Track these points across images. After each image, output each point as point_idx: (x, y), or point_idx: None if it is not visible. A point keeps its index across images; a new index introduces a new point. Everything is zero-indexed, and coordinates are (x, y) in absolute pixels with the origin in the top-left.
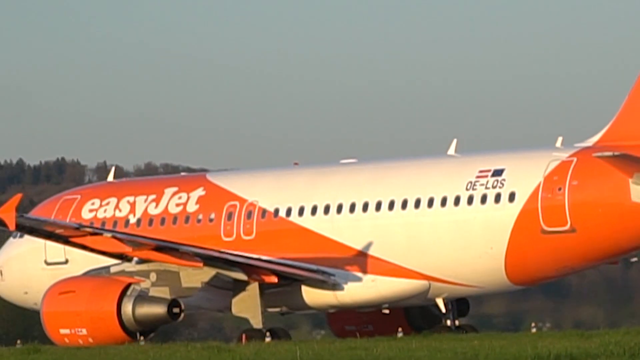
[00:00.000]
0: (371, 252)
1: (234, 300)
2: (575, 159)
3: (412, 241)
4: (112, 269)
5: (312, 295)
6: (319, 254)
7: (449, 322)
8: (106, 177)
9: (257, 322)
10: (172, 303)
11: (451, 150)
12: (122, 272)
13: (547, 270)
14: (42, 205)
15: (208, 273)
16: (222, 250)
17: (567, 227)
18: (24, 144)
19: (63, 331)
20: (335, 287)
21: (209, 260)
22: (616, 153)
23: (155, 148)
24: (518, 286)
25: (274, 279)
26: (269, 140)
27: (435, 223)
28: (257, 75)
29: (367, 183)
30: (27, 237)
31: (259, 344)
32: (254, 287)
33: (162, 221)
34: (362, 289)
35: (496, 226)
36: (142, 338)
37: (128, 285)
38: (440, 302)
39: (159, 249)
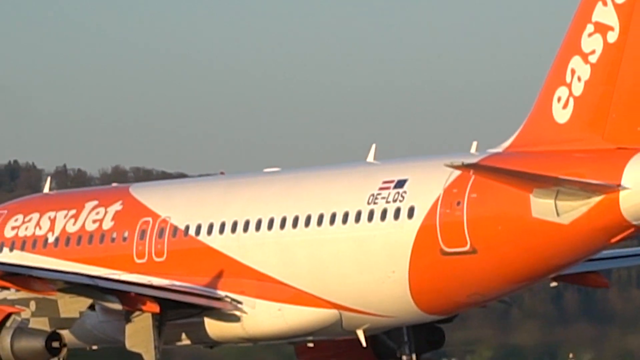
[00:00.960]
0: (277, 276)
1: (127, 333)
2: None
3: (316, 264)
4: (6, 296)
5: (216, 327)
6: (226, 278)
7: (404, 357)
8: (66, 183)
9: (149, 358)
10: (51, 336)
11: (370, 157)
12: (4, 301)
13: (455, 298)
14: None
15: (85, 302)
16: (96, 275)
17: (466, 248)
18: None
19: None
20: (242, 317)
21: (79, 287)
22: (467, 162)
23: (125, 150)
24: (434, 316)
25: (154, 308)
26: (251, 144)
27: (337, 243)
28: (236, 76)
29: (274, 196)
30: None
31: None
32: (145, 318)
33: (79, 240)
34: (269, 319)
35: (395, 246)
36: None
37: (8, 316)
38: (360, 335)
39: (12, 274)
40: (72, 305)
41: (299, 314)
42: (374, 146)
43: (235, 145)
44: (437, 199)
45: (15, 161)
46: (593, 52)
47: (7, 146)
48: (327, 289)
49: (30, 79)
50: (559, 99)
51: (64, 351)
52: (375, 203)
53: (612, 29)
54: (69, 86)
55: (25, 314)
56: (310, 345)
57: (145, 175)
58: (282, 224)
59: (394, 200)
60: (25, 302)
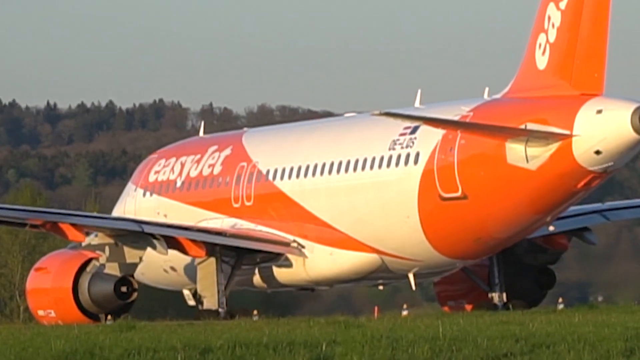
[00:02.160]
0: (328, 220)
1: (197, 277)
2: (472, 114)
3: (354, 209)
4: (84, 242)
5: (284, 272)
6: (294, 222)
7: (495, 298)
8: (212, 122)
9: (212, 303)
10: (120, 281)
11: (417, 102)
12: (89, 246)
13: (464, 243)
14: (142, 164)
15: (142, 247)
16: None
17: (459, 194)
18: (115, 84)
19: (40, 312)
20: (305, 261)
21: (130, 233)
22: (384, 111)
23: (271, 88)
24: (461, 260)
25: (200, 253)
26: (390, 82)
27: (365, 188)
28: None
29: (327, 142)
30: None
31: (394, 318)
32: (209, 263)
33: (197, 184)
34: (324, 262)
35: (405, 191)
36: (109, 317)
37: (89, 261)
38: (411, 278)
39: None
40: (133, 251)
41: (347, 258)
42: (419, 91)
43: (376, 82)
44: (436, 145)
45: (161, 100)
46: None
47: (153, 85)
48: (366, 234)
49: (173, 16)
50: (539, 46)
51: (134, 295)
52: (393, 149)
53: None
54: (213, 23)
55: (102, 259)
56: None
57: (291, 114)
58: (330, 170)
59: (406, 146)
60: (101, 247)
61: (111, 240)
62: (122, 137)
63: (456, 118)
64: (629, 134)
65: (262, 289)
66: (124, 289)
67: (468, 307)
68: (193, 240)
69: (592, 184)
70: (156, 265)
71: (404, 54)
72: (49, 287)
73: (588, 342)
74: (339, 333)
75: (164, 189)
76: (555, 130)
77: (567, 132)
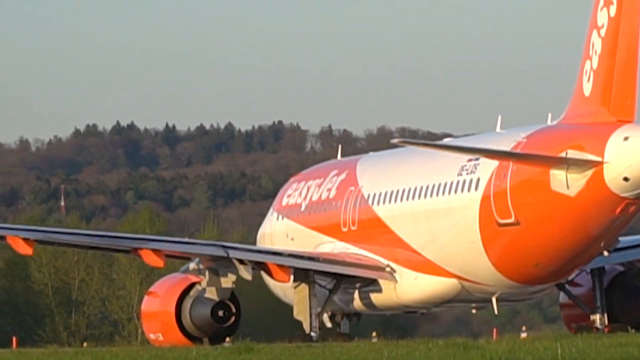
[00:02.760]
0: (413, 245)
1: (294, 301)
2: (525, 140)
3: (432, 234)
4: (191, 266)
5: (378, 295)
6: (387, 247)
7: (597, 321)
8: (331, 144)
9: (306, 327)
10: (217, 305)
11: (498, 127)
12: (193, 270)
13: (525, 268)
14: (282, 188)
15: (235, 272)
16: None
17: (512, 220)
18: (234, 106)
19: (151, 336)
20: (395, 286)
21: (219, 258)
22: (403, 139)
23: (391, 110)
24: (528, 285)
25: (284, 278)
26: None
27: (438, 213)
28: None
29: (414, 168)
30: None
31: (513, 341)
32: (303, 288)
33: (315, 208)
34: (411, 287)
35: (468, 217)
36: (207, 341)
37: (192, 285)
38: (494, 303)
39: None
40: (227, 276)
41: (430, 283)
42: (499, 118)
43: (495, 104)
44: (493, 172)
45: (280, 122)
46: (603, 25)
47: (271, 106)
48: (443, 259)
49: (293, 39)
50: (585, 72)
51: (232, 320)
52: (460, 175)
53: (612, 2)
54: (333, 44)
55: (203, 283)
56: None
57: (411, 136)
58: (414, 195)
59: (470, 172)
60: (203, 272)
61: (210, 264)
62: (240, 159)
63: (512, 145)
64: None
65: (364, 312)
66: (220, 313)
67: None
68: (279, 265)
69: (629, 210)
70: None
71: (527, 76)
72: (157, 310)
73: None
74: (458, 355)
75: (292, 212)
76: (587, 157)
77: (598, 159)
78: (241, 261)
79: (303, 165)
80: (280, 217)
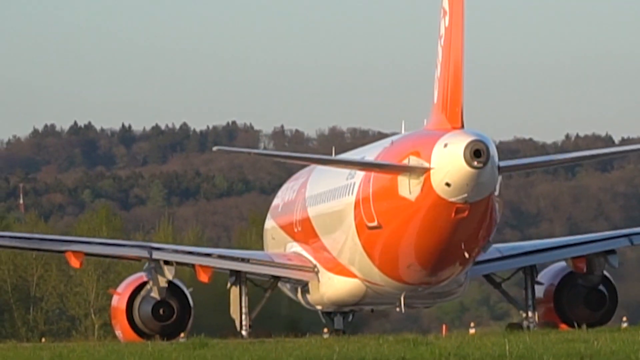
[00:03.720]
0: (328, 246)
1: (230, 301)
2: (389, 146)
3: (332, 237)
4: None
5: (311, 295)
6: (313, 248)
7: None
8: (283, 144)
9: (237, 325)
10: (158, 304)
11: (402, 130)
12: (145, 269)
13: (401, 269)
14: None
15: (171, 271)
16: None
17: (375, 223)
18: (189, 107)
19: (116, 333)
20: (319, 285)
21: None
22: (219, 147)
23: (341, 110)
24: (414, 286)
25: (204, 278)
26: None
27: (331, 216)
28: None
29: (328, 171)
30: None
31: (462, 336)
32: (235, 289)
33: (282, 208)
34: (328, 287)
35: (347, 220)
36: (158, 337)
37: (144, 284)
38: (401, 300)
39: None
40: (162, 276)
41: (340, 284)
42: (403, 123)
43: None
44: (363, 177)
45: (234, 122)
46: (442, 35)
47: (226, 107)
48: (346, 260)
49: (246, 40)
50: (434, 79)
51: (174, 318)
52: (347, 179)
53: (447, 12)
54: (285, 47)
55: (150, 282)
56: None
57: (362, 136)
58: (325, 198)
59: (351, 177)
60: (149, 271)
61: (153, 264)
62: (195, 159)
63: (380, 150)
64: (463, 167)
65: (309, 308)
66: (161, 311)
67: None
68: (201, 266)
69: (464, 214)
70: None
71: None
72: (115, 308)
73: None
74: (408, 351)
75: (274, 213)
76: (419, 164)
77: (427, 165)
78: (167, 262)
79: (255, 165)
80: (269, 216)
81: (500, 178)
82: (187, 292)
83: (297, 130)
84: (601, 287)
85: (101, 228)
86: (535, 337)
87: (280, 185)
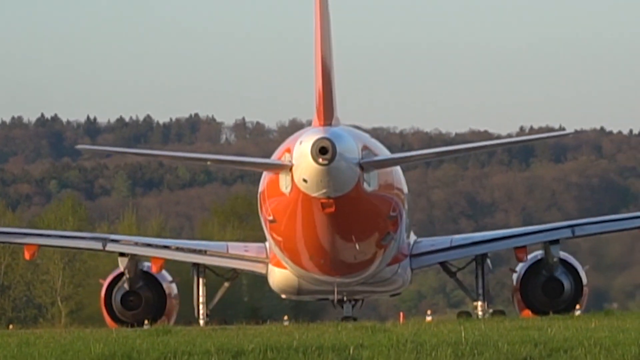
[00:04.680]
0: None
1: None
2: (290, 142)
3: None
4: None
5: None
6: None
7: (478, 306)
8: (244, 136)
9: (196, 314)
10: (126, 294)
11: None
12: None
13: (306, 261)
14: None
15: (124, 263)
16: None
17: (271, 217)
18: (152, 99)
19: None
20: (268, 276)
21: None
22: (83, 146)
23: (301, 102)
24: (328, 277)
25: (155, 269)
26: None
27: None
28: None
29: None
30: None
31: (418, 324)
32: (195, 280)
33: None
34: (272, 278)
35: (260, 213)
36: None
37: (121, 275)
38: (335, 292)
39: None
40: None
41: (278, 275)
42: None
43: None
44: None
45: (196, 114)
46: (314, 33)
47: (188, 100)
48: (277, 252)
49: (207, 32)
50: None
51: (141, 307)
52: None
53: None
54: (246, 40)
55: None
56: None
57: None
58: None
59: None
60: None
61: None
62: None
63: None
64: (310, 163)
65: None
66: (130, 300)
67: None
68: (155, 258)
69: (332, 209)
70: None
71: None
72: (100, 296)
73: (604, 346)
74: (366, 337)
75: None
76: (286, 161)
77: (290, 162)
78: (123, 254)
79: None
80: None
81: (376, 173)
82: (163, 282)
83: (258, 122)
84: (561, 276)
85: (67, 218)
86: (490, 324)
87: (241, 177)
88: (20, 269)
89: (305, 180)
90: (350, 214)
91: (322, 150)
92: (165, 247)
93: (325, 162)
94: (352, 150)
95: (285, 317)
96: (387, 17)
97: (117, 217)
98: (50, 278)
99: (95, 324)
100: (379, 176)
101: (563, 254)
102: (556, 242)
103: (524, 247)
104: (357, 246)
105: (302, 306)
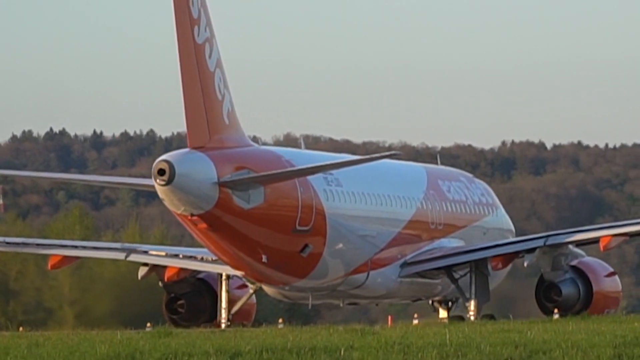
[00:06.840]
0: None
1: None
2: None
3: None
4: None
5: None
6: None
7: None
8: None
9: (219, 319)
10: (170, 299)
11: (302, 147)
12: None
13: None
14: None
15: (143, 269)
16: None
17: None
18: (155, 114)
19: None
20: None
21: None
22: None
23: (295, 117)
24: (279, 286)
25: (164, 277)
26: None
27: None
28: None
29: None
30: None
31: (406, 327)
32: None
33: None
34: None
35: None
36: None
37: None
38: (310, 298)
39: None
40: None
41: None
42: (301, 138)
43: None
44: None
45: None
46: None
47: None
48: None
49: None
50: None
51: (183, 312)
52: None
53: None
54: (242, 54)
55: None
56: None
57: (314, 142)
58: None
59: None
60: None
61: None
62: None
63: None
64: (155, 184)
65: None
66: (174, 305)
67: None
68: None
69: (204, 225)
70: None
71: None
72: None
73: (580, 348)
74: (356, 340)
75: None
76: (140, 181)
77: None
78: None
79: None
80: None
81: (261, 190)
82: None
83: (254, 136)
84: (560, 283)
85: (74, 227)
86: (473, 327)
87: None
88: (30, 275)
89: (163, 199)
90: (230, 228)
91: (160, 172)
92: (192, 257)
93: (163, 182)
94: (202, 171)
95: (280, 320)
96: (374, 36)
97: (121, 226)
98: (59, 284)
99: (100, 327)
100: (269, 193)
101: (576, 261)
102: (532, 250)
103: (500, 255)
104: (264, 258)
105: (296, 309)
